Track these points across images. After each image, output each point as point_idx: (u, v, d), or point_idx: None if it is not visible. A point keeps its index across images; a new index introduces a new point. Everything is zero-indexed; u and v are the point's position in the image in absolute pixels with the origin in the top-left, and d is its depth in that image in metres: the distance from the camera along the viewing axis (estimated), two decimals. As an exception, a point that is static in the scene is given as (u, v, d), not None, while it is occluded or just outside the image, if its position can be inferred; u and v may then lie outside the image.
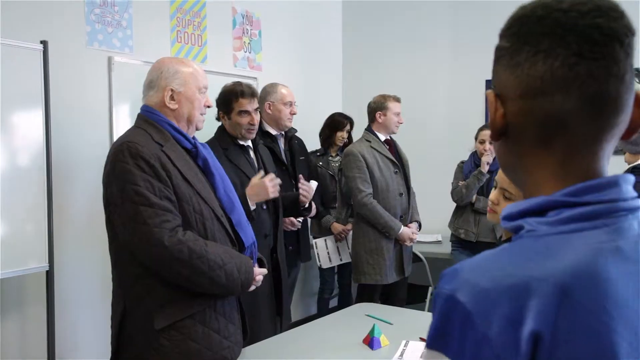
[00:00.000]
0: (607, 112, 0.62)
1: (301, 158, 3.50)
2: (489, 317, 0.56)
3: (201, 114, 1.92)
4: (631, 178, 0.65)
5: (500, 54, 0.67)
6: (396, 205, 3.40)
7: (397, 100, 3.48)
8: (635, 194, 0.64)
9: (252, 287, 1.93)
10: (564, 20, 0.61)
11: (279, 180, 2.47)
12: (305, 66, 4.63)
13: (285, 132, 3.42)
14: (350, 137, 4.08)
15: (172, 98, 1.84)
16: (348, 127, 4.01)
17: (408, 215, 3.47)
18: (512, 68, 0.65)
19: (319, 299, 4.21)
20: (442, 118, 4.59)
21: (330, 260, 3.92)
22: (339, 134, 3.99)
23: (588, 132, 0.63)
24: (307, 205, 2.83)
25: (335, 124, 4.01)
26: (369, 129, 3.49)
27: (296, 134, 3.58)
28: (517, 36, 0.65)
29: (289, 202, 2.89)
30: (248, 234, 1.97)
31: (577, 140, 0.63)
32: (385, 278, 3.36)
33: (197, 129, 1.95)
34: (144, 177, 1.68)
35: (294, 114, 3.25)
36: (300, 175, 2.90)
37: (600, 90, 0.61)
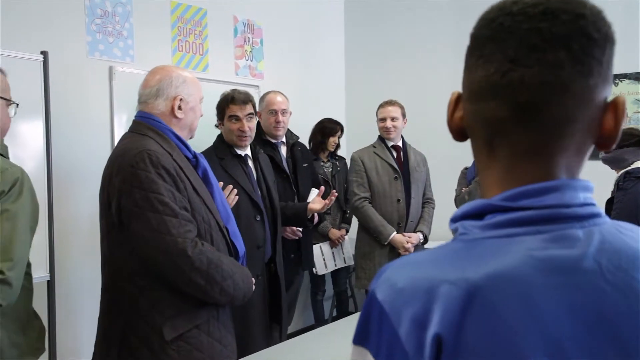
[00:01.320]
0: (546, 122, 0.59)
1: (304, 165, 3.46)
2: (400, 316, 0.56)
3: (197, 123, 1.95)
4: (584, 184, 0.62)
5: (465, 54, 0.66)
6: (392, 211, 3.40)
7: (384, 105, 3.48)
8: (587, 201, 0.61)
9: None
10: (508, 24, 0.59)
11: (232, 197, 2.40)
12: (308, 74, 4.62)
13: (287, 140, 3.40)
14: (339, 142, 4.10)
15: (179, 107, 1.83)
16: (339, 132, 4.02)
17: (405, 222, 3.43)
18: (466, 70, 0.64)
19: (313, 301, 4.21)
20: (446, 123, 4.53)
21: (326, 267, 3.92)
22: (332, 139, 3.99)
23: (528, 141, 0.60)
24: (310, 216, 2.83)
25: (327, 130, 4.01)
26: (379, 135, 3.56)
27: (299, 141, 3.55)
28: (473, 38, 0.64)
29: (292, 213, 2.89)
30: (241, 244, 1.98)
31: (518, 149, 0.61)
32: None
33: (191, 137, 1.97)
34: (167, 187, 1.66)
35: (278, 122, 3.20)
36: (322, 188, 2.87)
37: (534, 99, 0.58)
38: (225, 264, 1.76)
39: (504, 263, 0.56)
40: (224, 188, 2.34)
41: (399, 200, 3.40)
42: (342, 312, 4.27)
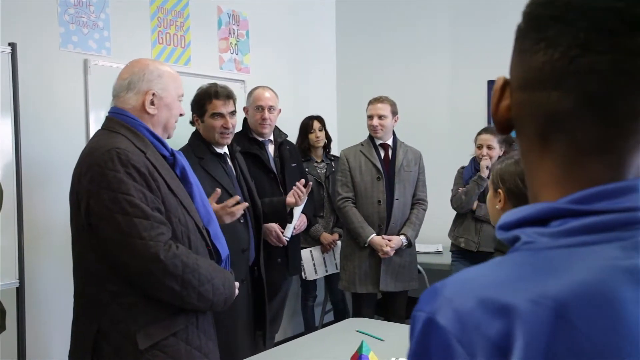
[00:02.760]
0: (617, 116, 0.53)
1: (292, 165, 3.33)
2: (472, 343, 0.49)
3: (175, 122, 1.86)
4: None
5: (516, 35, 0.58)
6: (373, 212, 3.30)
7: (372, 101, 3.37)
8: None
9: None
10: (579, 3, 0.52)
11: (242, 205, 2.25)
12: (297, 68, 4.46)
13: (275, 138, 3.26)
14: (328, 137, 3.94)
15: (152, 103, 1.75)
16: (317, 125, 3.85)
17: (386, 225, 3.30)
18: (519, 54, 0.57)
19: (303, 307, 4.07)
20: (442, 122, 4.42)
21: (315, 272, 3.78)
22: (310, 136, 3.84)
23: (592, 136, 0.54)
24: (289, 210, 2.76)
25: (304, 127, 3.88)
26: (369, 133, 3.46)
27: (287, 139, 3.41)
28: (529, 17, 0.56)
29: (270, 210, 2.80)
30: (224, 246, 1.90)
31: (580, 144, 0.54)
32: (353, 287, 3.33)
33: (169, 138, 1.87)
34: (137, 187, 1.59)
35: (264, 119, 3.08)
36: (302, 180, 2.80)
37: (606, 90, 0.52)
38: (202, 267, 1.68)
39: (586, 277, 0.49)
40: (209, 194, 2.21)
41: (379, 201, 3.28)
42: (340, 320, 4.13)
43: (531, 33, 0.55)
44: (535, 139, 0.57)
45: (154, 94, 1.75)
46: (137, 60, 1.84)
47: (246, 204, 2.32)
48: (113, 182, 1.57)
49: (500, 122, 0.60)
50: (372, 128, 3.33)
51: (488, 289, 0.52)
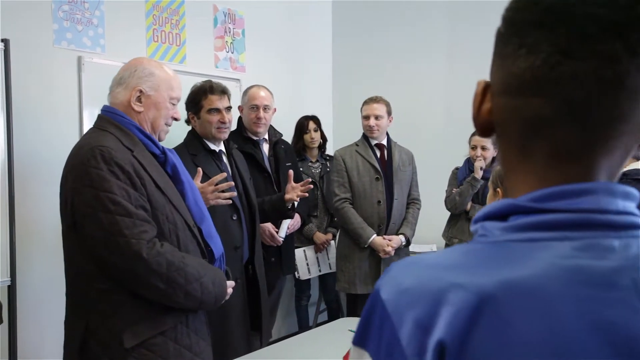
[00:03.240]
0: (595, 121, 0.53)
1: (287, 164, 3.32)
2: (402, 317, 0.53)
3: (166, 124, 1.83)
4: (625, 190, 0.55)
5: (496, 39, 0.59)
6: (373, 213, 3.28)
7: (368, 101, 3.35)
8: (626, 209, 0.54)
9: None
10: (558, 8, 0.52)
11: (230, 192, 2.23)
12: (293, 68, 4.44)
13: (269, 137, 3.25)
14: (323, 137, 3.92)
15: (138, 100, 1.75)
16: (313, 126, 3.83)
17: (386, 225, 3.30)
18: (500, 59, 0.57)
19: (297, 307, 4.05)
20: (437, 123, 4.40)
21: (309, 272, 3.76)
22: (305, 137, 3.83)
23: (571, 141, 0.54)
24: (289, 206, 2.72)
25: (299, 127, 3.86)
26: (364, 134, 3.44)
27: (282, 139, 3.40)
28: (509, 22, 0.56)
29: (271, 208, 2.77)
30: (218, 245, 1.89)
31: (558, 149, 0.55)
32: (353, 287, 3.31)
33: (159, 140, 1.84)
34: (120, 185, 1.58)
35: (259, 118, 3.07)
36: (291, 172, 2.76)
37: (586, 96, 0.52)
38: (190, 265, 1.66)
39: (524, 270, 0.51)
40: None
41: (379, 201, 3.27)
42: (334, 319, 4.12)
43: (512, 38, 0.55)
44: (514, 142, 0.58)
45: (140, 91, 1.74)
46: (136, 58, 1.85)
47: (234, 193, 2.29)
48: (96, 180, 1.56)
49: (481, 125, 0.61)
50: (368, 128, 3.32)
51: (429, 271, 0.54)
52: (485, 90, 0.60)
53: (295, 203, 2.83)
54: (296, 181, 3.32)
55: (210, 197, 2.15)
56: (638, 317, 0.50)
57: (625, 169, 2.72)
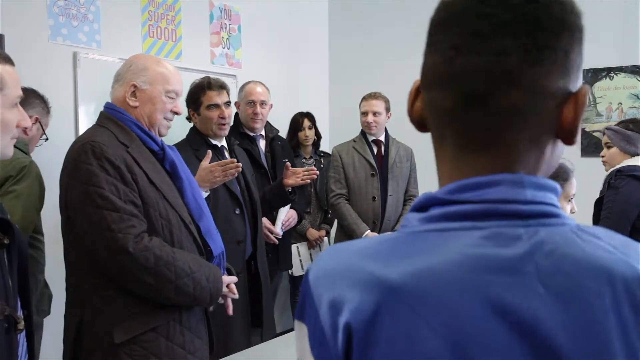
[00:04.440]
0: (492, 114, 0.57)
1: (284, 160, 3.31)
2: (321, 298, 0.57)
3: (166, 119, 1.82)
4: (536, 181, 0.58)
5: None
6: (367, 209, 3.29)
7: (367, 97, 3.34)
8: (535, 199, 0.57)
9: (228, 300, 1.88)
10: (456, 9, 0.58)
11: (237, 165, 2.22)
12: (289, 64, 4.42)
13: (266, 133, 3.24)
14: (318, 134, 3.91)
15: (133, 95, 1.76)
16: (307, 124, 3.82)
17: (381, 221, 3.30)
18: (423, 57, 0.63)
19: (292, 303, 4.05)
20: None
21: (302, 268, 3.76)
22: (300, 134, 3.82)
23: (474, 132, 0.58)
24: (290, 190, 2.74)
25: (294, 124, 3.85)
26: (362, 130, 3.44)
27: (279, 135, 3.40)
28: (430, 23, 0.62)
29: (273, 196, 2.80)
30: (217, 242, 1.88)
31: (464, 141, 0.59)
32: None
33: (161, 135, 1.84)
34: (109, 180, 1.59)
35: (256, 114, 3.07)
36: (288, 163, 2.79)
37: (478, 89, 0.56)
38: (180, 260, 1.65)
39: (433, 259, 0.55)
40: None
41: (374, 197, 3.26)
42: None
43: (428, 38, 0.61)
44: (434, 134, 0.63)
45: (135, 86, 1.75)
46: (134, 55, 1.86)
47: (240, 165, 2.26)
48: (85, 174, 1.58)
49: (414, 120, 0.65)
50: (366, 124, 3.32)
51: (349, 257, 0.59)
52: (418, 89, 0.64)
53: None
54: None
55: (219, 176, 2.17)
56: (539, 300, 0.53)
57: (619, 166, 2.73)
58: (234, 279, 1.91)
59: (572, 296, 0.54)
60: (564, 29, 0.56)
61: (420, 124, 0.65)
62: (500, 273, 0.54)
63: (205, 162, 2.21)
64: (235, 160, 2.26)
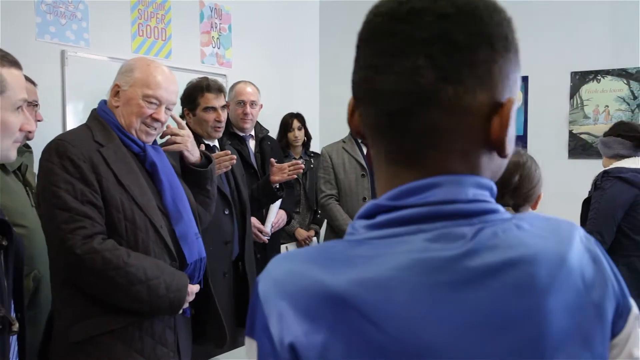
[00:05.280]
0: (415, 132, 0.57)
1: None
2: (271, 307, 0.56)
3: (145, 124, 1.75)
4: (476, 180, 0.58)
5: None
6: (358, 210, 3.25)
7: None
8: (477, 197, 0.58)
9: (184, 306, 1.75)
10: (374, 26, 0.58)
11: (230, 160, 2.35)
12: (280, 64, 4.41)
13: (256, 133, 3.24)
14: (307, 134, 3.90)
15: (117, 95, 1.77)
16: (297, 125, 3.81)
17: None
18: (352, 73, 0.63)
19: None
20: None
21: None
22: (289, 135, 3.81)
23: (397, 149, 0.59)
24: (279, 186, 2.76)
25: (284, 125, 3.84)
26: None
27: (269, 135, 3.39)
28: (357, 38, 0.62)
29: (261, 193, 2.80)
30: (193, 249, 1.79)
31: (393, 156, 0.60)
32: None
33: (141, 141, 1.78)
34: (66, 179, 1.58)
35: (246, 114, 3.06)
36: (272, 160, 2.79)
37: (396, 108, 0.56)
38: (134, 266, 1.58)
39: (378, 267, 0.54)
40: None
41: (364, 198, 3.28)
42: None
43: (355, 53, 0.61)
44: (371, 146, 0.63)
45: (118, 86, 1.76)
46: (136, 57, 1.92)
47: (234, 157, 2.37)
48: (47, 172, 1.60)
49: (354, 132, 0.65)
50: None
51: (297, 265, 0.57)
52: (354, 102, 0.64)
53: (277, 203, 2.84)
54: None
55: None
56: (492, 294, 0.54)
57: (608, 168, 2.77)
58: (194, 288, 1.78)
59: (523, 285, 0.55)
60: (482, 42, 0.55)
61: (361, 135, 0.64)
62: (450, 272, 0.54)
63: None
64: (229, 152, 2.26)
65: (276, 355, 0.55)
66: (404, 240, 0.56)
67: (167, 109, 1.79)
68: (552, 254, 0.57)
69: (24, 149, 2.24)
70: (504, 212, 0.60)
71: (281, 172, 2.72)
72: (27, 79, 2.15)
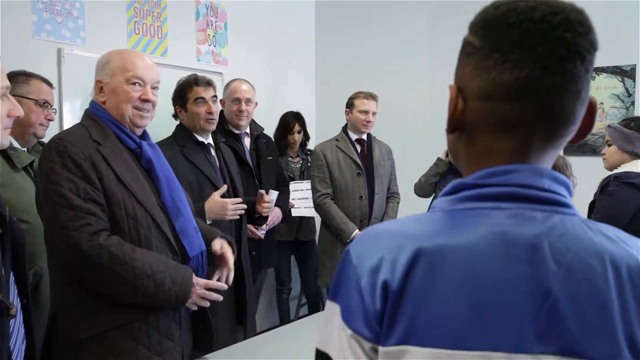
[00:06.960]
0: (558, 125, 0.66)
1: (269, 158, 3.32)
2: (364, 268, 0.65)
3: (136, 108, 1.75)
4: (553, 174, 0.67)
5: (469, 50, 0.69)
6: (355, 208, 3.30)
7: (367, 97, 3.34)
8: (552, 188, 0.66)
9: (207, 303, 1.78)
10: (534, 32, 0.63)
11: (243, 206, 2.49)
12: (275, 62, 4.43)
13: (251, 131, 3.25)
14: (306, 135, 3.92)
15: (101, 90, 1.76)
16: (297, 128, 3.84)
17: (368, 219, 3.32)
18: (479, 70, 0.67)
19: (278, 300, 4.05)
20: (420, 119, 4.43)
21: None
22: (290, 136, 3.83)
23: (536, 140, 0.66)
24: (262, 215, 2.82)
25: (285, 126, 3.85)
26: (343, 127, 3.44)
27: (264, 133, 3.40)
28: (488, 39, 0.66)
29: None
30: (194, 243, 1.80)
31: (523, 147, 0.67)
32: None
33: (137, 126, 1.78)
34: (69, 177, 1.59)
35: (241, 111, 3.07)
36: (262, 192, 2.79)
37: (557, 105, 0.64)
38: (139, 260, 1.60)
39: (461, 233, 0.64)
40: (190, 182, 2.38)
41: (361, 197, 3.28)
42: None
43: (493, 54, 0.65)
44: (480, 138, 0.69)
45: (100, 82, 1.76)
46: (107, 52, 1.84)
47: (244, 206, 2.51)
48: (48, 172, 1.60)
49: (455, 123, 0.70)
50: (365, 123, 3.33)
51: (386, 234, 0.67)
52: (458, 94, 0.70)
53: (274, 199, 2.87)
54: (277, 176, 3.37)
55: (229, 214, 2.40)
56: (549, 273, 0.62)
57: (616, 171, 2.71)
58: (212, 284, 1.80)
59: (580, 274, 0.62)
60: (594, 50, 0.66)
61: (457, 126, 0.71)
62: (518, 248, 0.62)
63: (218, 195, 2.38)
64: (242, 203, 2.43)
65: (365, 307, 0.64)
66: (486, 214, 0.65)
67: (154, 88, 1.80)
68: (619, 256, 0.64)
69: (38, 146, 2.27)
70: (576, 209, 0.68)
71: (260, 206, 2.81)
72: (44, 80, 2.29)
